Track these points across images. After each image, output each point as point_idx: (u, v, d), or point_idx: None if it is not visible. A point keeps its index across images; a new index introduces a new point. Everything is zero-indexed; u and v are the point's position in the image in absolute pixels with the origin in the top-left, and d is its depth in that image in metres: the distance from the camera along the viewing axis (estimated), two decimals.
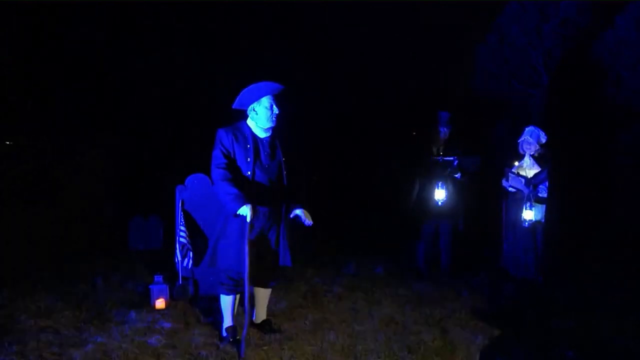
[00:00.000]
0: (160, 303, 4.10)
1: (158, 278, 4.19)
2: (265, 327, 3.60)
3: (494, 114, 8.10)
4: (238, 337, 3.30)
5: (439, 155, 5.04)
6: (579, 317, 3.91)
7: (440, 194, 4.96)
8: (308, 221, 3.40)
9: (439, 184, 4.95)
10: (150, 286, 4.17)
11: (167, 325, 3.73)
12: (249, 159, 3.30)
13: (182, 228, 4.33)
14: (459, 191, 5.08)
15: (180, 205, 4.41)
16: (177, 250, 4.33)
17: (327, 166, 8.88)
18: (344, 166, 9.04)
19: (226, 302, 3.49)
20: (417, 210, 5.18)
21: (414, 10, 8.99)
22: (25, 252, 5.98)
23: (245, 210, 3.15)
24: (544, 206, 4.92)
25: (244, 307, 3.20)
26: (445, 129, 5.06)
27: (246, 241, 3.15)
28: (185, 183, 4.52)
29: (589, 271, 5.28)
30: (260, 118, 3.35)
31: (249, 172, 3.29)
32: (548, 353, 3.28)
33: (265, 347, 3.34)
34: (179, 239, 4.33)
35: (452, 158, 4.87)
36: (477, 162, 5.00)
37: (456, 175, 4.97)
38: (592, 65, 7.26)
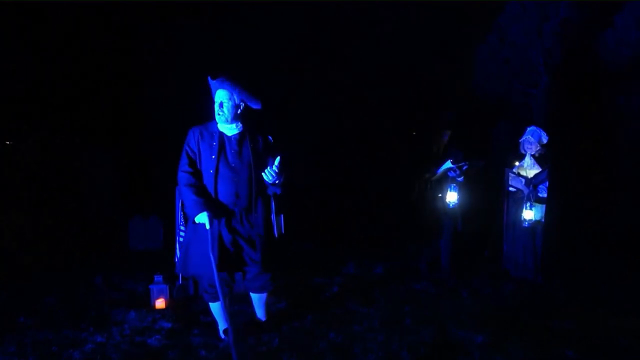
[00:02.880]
0: (160, 303, 4.10)
1: (158, 278, 4.19)
2: (264, 327, 3.60)
3: (494, 114, 8.11)
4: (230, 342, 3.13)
5: (438, 155, 5.04)
6: (579, 317, 3.91)
7: (452, 197, 4.96)
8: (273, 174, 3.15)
9: (452, 186, 4.95)
10: (150, 286, 4.17)
11: (167, 325, 3.73)
12: (213, 157, 3.21)
13: (182, 228, 4.33)
14: (458, 192, 5.08)
15: (180, 205, 4.41)
16: (177, 250, 4.33)
17: (326, 167, 8.88)
18: (344, 167, 9.04)
19: (215, 308, 3.48)
20: (418, 210, 5.18)
21: (414, 10, 8.99)
22: (26, 252, 5.98)
23: (204, 218, 3.10)
24: (544, 206, 4.92)
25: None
26: (447, 129, 5.06)
27: (210, 246, 3.07)
28: None
29: (589, 271, 5.28)
30: (216, 114, 3.27)
31: (212, 171, 3.20)
32: (548, 353, 3.28)
33: (265, 348, 3.34)
34: (179, 239, 4.33)
35: (462, 163, 4.86)
36: (481, 165, 5.00)
37: (459, 179, 4.97)
38: (592, 65, 7.26)
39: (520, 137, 5.04)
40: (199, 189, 3.18)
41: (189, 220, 3.34)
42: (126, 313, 3.93)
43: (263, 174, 3.18)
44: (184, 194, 3.19)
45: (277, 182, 3.22)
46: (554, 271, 5.05)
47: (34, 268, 5.38)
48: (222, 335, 3.46)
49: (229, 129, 3.29)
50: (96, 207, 7.62)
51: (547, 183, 4.90)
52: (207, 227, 3.10)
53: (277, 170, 3.14)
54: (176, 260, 4.38)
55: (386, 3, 9.09)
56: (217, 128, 3.30)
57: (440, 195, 5.04)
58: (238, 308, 3.96)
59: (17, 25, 7.51)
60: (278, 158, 3.16)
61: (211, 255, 3.07)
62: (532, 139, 4.93)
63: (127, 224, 6.59)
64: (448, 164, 4.90)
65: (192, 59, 8.49)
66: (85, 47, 8.13)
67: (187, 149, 3.26)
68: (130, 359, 3.19)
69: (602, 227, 6.72)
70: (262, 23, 9.00)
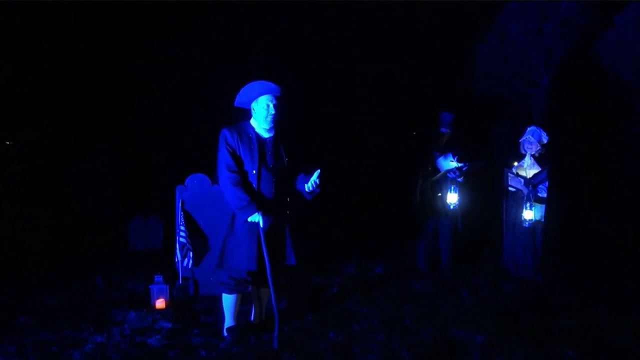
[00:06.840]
0: (160, 303, 4.11)
1: (158, 278, 4.19)
2: (265, 327, 3.60)
3: (494, 114, 8.11)
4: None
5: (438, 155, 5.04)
6: (579, 317, 3.91)
7: (452, 198, 4.96)
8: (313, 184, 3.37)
9: (452, 188, 4.94)
10: (150, 286, 4.17)
11: (167, 325, 3.73)
12: (254, 160, 3.33)
13: (182, 228, 4.33)
14: (458, 193, 5.07)
15: (180, 205, 4.41)
16: (177, 250, 4.33)
17: (326, 167, 8.88)
18: (344, 167, 9.03)
19: (228, 301, 3.49)
20: (418, 210, 5.18)
21: (414, 10, 8.98)
22: (26, 252, 5.98)
23: (257, 218, 3.25)
24: (544, 206, 4.92)
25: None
26: (446, 130, 5.06)
27: (264, 242, 3.24)
28: (185, 183, 4.53)
29: (589, 271, 5.28)
30: (258, 117, 3.38)
31: (255, 172, 3.33)
32: (548, 353, 3.27)
33: (265, 348, 3.34)
34: (179, 239, 4.33)
35: (462, 164, 4.86)
36: (481, 166, 5.00)
37: (459, 180, 4.97)
38: (592, 65, 7.26)
39: (521, 137, 5.04)
40: (248, 189, 3.29)
41: (234, 216, 3.38)
42: (126, 313, 3.93)
43: (305, 184, 3.37)
44: (233, 193, 3.25)
45: (316, 192, 3.42)
46: (554, 271, 5.05)
47: (34, 268, 5.38)
48: (225, 334, 3.47)
49: (265, 131, 3.40)
50: (96, 207, 7.62)
51: (547, 183, 4.91)
52: (262, 225, 3.25)
53: (317, 182, 3.35)
54: (176, 260, 4.38)
55: (386, 3, 9.09)
56: (253, 130, 3.40)
57: (440, 195, 5.04)
58: (239, 308, 3.95)
59: (17, 25, 7.51)
60: (318, 171, 3.34)
61: (265, 254, 3.24)
62: (533, 139, 4.94)
63: (127, 224, 6.59)
64: (448, 164, 4.89)
65: (193, 59, 8.50)
66: (85, 46, 8.13)
67: (229, 149, 3.32)
68: (130, 359, 3.19)
69: (602, 227, 6.72)
70: (261, 23, 8.99)
